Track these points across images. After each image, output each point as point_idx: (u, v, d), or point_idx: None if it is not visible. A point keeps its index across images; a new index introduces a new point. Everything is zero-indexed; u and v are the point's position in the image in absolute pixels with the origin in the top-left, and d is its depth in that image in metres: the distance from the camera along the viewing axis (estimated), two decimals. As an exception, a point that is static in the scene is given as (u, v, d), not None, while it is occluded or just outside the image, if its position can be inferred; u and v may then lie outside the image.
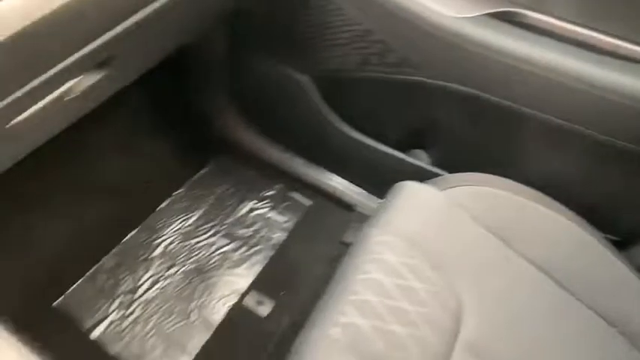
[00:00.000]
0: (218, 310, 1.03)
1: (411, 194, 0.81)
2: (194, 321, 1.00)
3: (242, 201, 1.21)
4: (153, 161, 1.20)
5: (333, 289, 0.70)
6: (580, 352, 0.72)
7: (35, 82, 0.48)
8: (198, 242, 1.13)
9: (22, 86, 0.48)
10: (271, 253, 1.13)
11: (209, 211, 1.18)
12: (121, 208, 1.12)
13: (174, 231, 1.14)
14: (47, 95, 0.51)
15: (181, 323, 1.00)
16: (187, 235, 1.14)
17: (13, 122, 0.48)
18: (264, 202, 1.22)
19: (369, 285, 0.68)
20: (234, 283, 1.07)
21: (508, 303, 0.73)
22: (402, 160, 1.07)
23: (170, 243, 1.12)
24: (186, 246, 1.12)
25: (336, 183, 1.22)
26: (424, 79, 0.89)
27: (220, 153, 1.28)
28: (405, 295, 0.68)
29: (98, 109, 0.72)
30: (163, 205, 1.17)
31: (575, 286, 0.77)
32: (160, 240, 1.11)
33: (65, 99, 0.53)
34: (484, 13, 0.78)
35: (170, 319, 1.00)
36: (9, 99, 0.46)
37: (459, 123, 0.94)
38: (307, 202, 1.23)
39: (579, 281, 0.78)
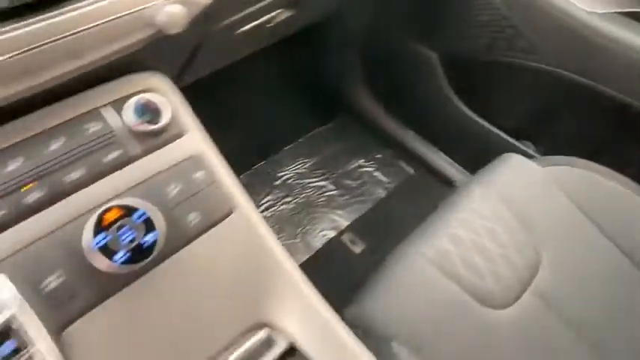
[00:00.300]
0: (319, 239, 1.20)
1: (514, 164, 0.91)
2: (298, 242, 1.19)
3: (353, 158, 1.38)
4: (287, 110, 1.40)
5: (430, 222, 0.83)
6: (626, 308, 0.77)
7: (251, 9, 0.68)
8: (310, 182, 1.31)
9: (242, 10, 0.67)
10: (370, 205, 1.28)
11: (324, 160, 1.36)
12: (256, 141, 1.33)
13: (294, 170, 1.33)
14: (255, 20, 0.70)
15: (288, 242, 1.19)
16: (303, 175, 1.33)
17: (236, 33, 0.68)
18: (373, 162, 1.37)
19: (463, 224, 0.80)
20: (335, 221, 1.24)
21: (582, 270, 0.81)
22: (512, 146, 1.15)
23: (289, 178, 1.31)
24: (301, 183, 1.31)
25: (442, 159, 1.33)
26: (547, 67, 0.97)
27: (343, 115, 1.45)
28: (491, 238, 0.79)
29: (261, 54, 0.92)
30: (288, 147, 1.37)
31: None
32: (281, 174, 1.32)
33: (266, 26, 0.73)
34: (616, 10, 0.85)
35: (279, 236, 1.19)
36: (236, 16, 0.65)
37: (569, 112, 1.01)
38: (411, 170, 1.36)
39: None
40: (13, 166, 0.44)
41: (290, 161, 1.35)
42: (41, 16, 0.42)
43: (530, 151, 1.12)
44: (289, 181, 1.31)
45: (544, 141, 1.14)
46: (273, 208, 1.24)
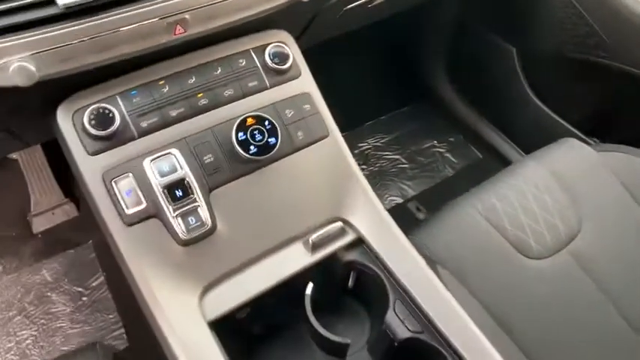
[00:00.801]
0: (387, 203, 1.37)
1: (571, 146, 1.02)
2: (368, 203, 1.37)
3: (427, 138, 1.53)
4: (374, 88, 1.58)
5: (485, 185, 0.97)
6: None
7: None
8: (385, 155, 1.48)
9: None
10: (438, 180, 1.43)
11: (400, 138, 1.53)
12: (343, 113, 1.52)
13: (372, 143, 1.51)
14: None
15: (359, 201, 1.37)
16: (379, 148, 1.50)
17: (344, 9, 0.87)
18: (445, 144, 1.51)
19: (513, 187, 0.93)
20: (404, 190, 1.40)
21: (621, 245, 0.90)
22: (577, 137, 1.23)
23: (367, 149, 1.50)
24: (377, 155, 1.48)
25: (510, 146, 1.44)
26: (616, 65, 1.06)
27: (423, 98, 1.60)
28: (538, 203, 0.92)
29: (359, 33, 1.10)
30: (370, 122, 1.55)
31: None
32: (361, 145, 1.50)
33: (368, 6, 0.92)
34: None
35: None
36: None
37: (635, 109, 1.08)
38: (479, 155, 1.49)
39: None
40: (191, 80, 0.66)
41: (370, 135, 1.53)
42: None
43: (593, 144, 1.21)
44: (367, 151, 1.49)
45: (609, 137, 1.21)
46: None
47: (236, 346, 0.64)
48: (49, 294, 1.15)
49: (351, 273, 0.72)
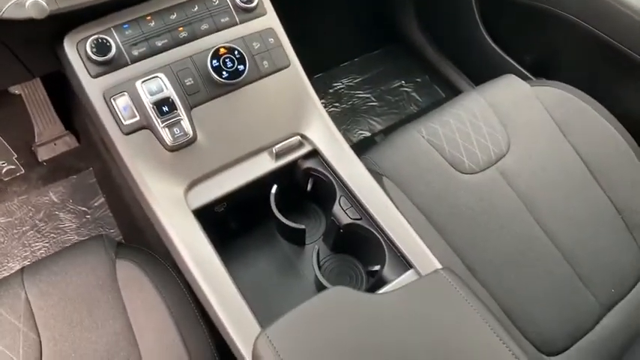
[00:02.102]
0: (356, 136, 1.53)
1: (509, 82, 1.17)
2: (339, 137, 1.53)
3: (396, 79, 1.67)
4: (347, 32, 1.70)
5: (431, 113, 1.12)
6: (584, 225, 1.03)
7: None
8: (357, 94, 1.63)
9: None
10: (403, 117, 1.58)
11: (371, 78, 1.66)
12: (318, 56, 1.65)
13: (345, 83, 1.65)
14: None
15: (332, 135, 1.53)
16: (352, 88, 1.64)
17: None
18: (412, 84, 1.66)
19: (453, 115, 1.09)
20: (372, 125, 1.56)
21: (542, 162, 1.07)
22: (525, 76, 1.38)
23: (340, 89, 1.64)
24: (349, 94, 1.62)
25: (468, 85, 1.59)
26: (559, 12, 1.19)
27: (392, 42, 1.73)
28: (473, 129, 1.08)
29: None
30: (343, 64, 1.68)
31: (602, 178, 1.07)
32: (335, 85, 1.64)
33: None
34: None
35: (326, 130, 1.53)
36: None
37: (577, 55, 1.23)
38: (442, 94, 1.63)
39: (606, 174, 1.07)
40: (173, 16, 0.80)
41: (343, 76, 1.66)
42: None
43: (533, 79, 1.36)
44: (340, 91, 1.63)
45: (551, 77, 1.36)
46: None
47: (216, 235, 0.82)
48: (56, 212, 1.31)
49: (309, 179, 0.89)
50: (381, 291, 0.71)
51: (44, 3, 0.67)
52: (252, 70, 0.82)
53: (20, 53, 0.84)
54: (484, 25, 1.45)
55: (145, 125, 0.77)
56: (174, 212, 0.77)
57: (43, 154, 1.40)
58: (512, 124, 1.10)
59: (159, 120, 0.77)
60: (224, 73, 0.79)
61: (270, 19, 0.87)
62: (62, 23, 0.74)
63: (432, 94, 1.63)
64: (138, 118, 0.77)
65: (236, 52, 0.79)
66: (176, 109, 0.78)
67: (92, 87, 0.76)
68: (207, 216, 0.80)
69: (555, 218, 1.02)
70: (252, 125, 0.84)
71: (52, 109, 1.36)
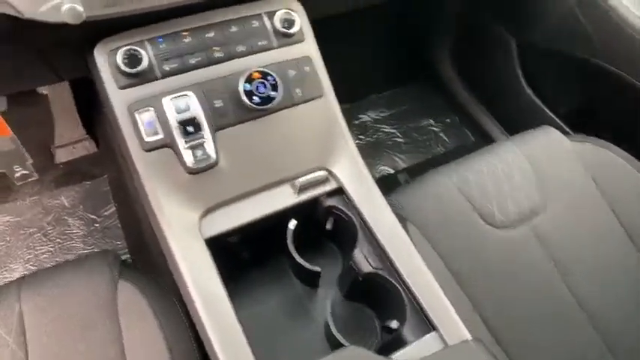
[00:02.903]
0: (378, 172, 1.48)
1: (547, 134, 1.11)
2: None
3: (425, 117, 1.63)
4: (379, 64, 1.67)
5: (463, 159, 1.07)
6: (618, 293, 0.95)
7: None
8: (383, 128, 1.59)
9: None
10: (429, 157, 1.53)
11: (399, 114, 1.63)
12: (343, 85, 1.62)
13: (372, 115, 1.61)
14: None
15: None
16: (378, 121, 1.60)
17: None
18: (441, 124, 1.61)
19: (487, 163, 1.04)
20: (396, 162, 1.51)
21: (580, 227, 1.01)
22: (563, 130, 1.33)
23: (366, 121, 1.60)
24: (375, 127, 1.59)
25: (500, 132, 1.54)
26: (604, 65, 1.14)
27: (424, 78, 1.69)
28: (508, 180, 1.02)
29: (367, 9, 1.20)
30: (372, 97, 1.65)
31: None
32: (361, 116, 1.60)
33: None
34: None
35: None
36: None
37: (616, 107, 1.18)
38: (472, 138, 1.58)
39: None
40: (210, 35, 0.77)
41: (370, 108, 1.63)
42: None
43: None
44: (366, 123, 1.59)
45: (590, 131, 1.30)
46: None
47: (225, 266, 0.77)
48: (65, 217, 1.28)
49: (330, 217, 0.84)
50: (399, 354, 0.65)
51: (81, 9, 0.65)
52: (285, 97, 0.78)
53: (50, 56, 0.82)
54: (523, 73, 1.40)
55: (166, 144, 0.73)
56: (185, 239, 0.72)
57: (61, 156, 1.38)
58: (549, 181, 1.04)
59: (182, 140, 0.73)
60: (255, 97, 0.75)
61: (309, 47, 0.84)
62: (96, 30, 0.72)
63: (461, 137, 1.59)
64: (160, 135, 0.73)
65: (270, 78, 0.76)
66: (201, 131, 0.74)
67: (118, 98, 0.73)
68: (219, 245, 0.75)
69: (589, 285, 0.95)
70: (277, 154, 0.80)
71: (76, 113, 1.34)
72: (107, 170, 1.37)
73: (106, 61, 0.72)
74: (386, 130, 1.58)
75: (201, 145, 0.74)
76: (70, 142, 1.38)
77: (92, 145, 1.40)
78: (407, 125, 1.59)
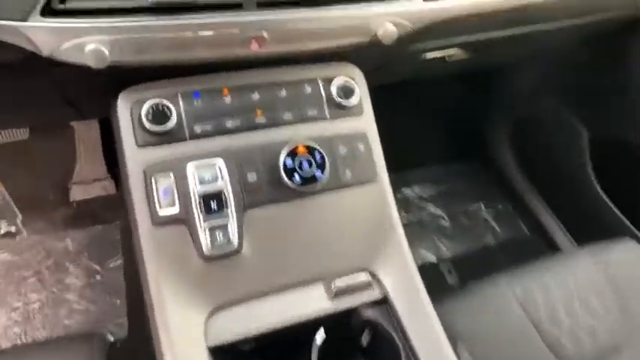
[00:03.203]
0: (419, 257, 1.31)
1: (631, 249, 0.94)
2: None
3: (475, 200, 1.46)
4: (431, 137, 1.54)
5: (529, 268, 0.90)
6: None
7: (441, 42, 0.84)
8: (428, 207, 1.43)
9: (434, 39, 0.83)
10: (477, 247, 1.36)
11: (447, 193, 1.47)
12: (395, 153, 1.49)
13: (417, 191, 1.47)
14: (439, 51, 0.87)
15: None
16: (423, 199, 1.45)
17: (420, 57, 0.85)
18: (492, 210, 1.45)
19: (557, 278, 0.86)
20: (439, 248, 1.34)
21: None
22: (635, 236, 1.14)
23: (410, 196, 1.45)
24: (419, 205, 1.44)
25: (560, 228, 1.35)
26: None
27: (477, 156, 1.55)
28: (583, 303, 0.84)
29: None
30: (420, 169, 1.51)
31: None
32: (405, 190, 1.46)
33: (446, 59, 0.89)
34: None
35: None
36: (427, 44, 0.82)
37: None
38: (526, 231, 1.40)
39: None
40: (255, 96, 0.65)
41: (415, 182, 1.48)
42: (304, 9, 0.63)
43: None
44: (410, 199, 1.44)
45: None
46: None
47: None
48: (67, 263, 1.16)
49: (367, 331, 0.68)
50: None
51: (106, 52, 0.54)
52: (331, 178, 0.65)
53: (72, 96, 0.72)
54: (593, 169, 1.24)
55: (182, 219, 0.60)
56: (185, 344, 0.57)
57: (76, 193, 1.27)
58: (633, 308, 0.86)
59: (201, 217, 0.59)
60: (297, 176, 0.62)
61: (366, 123, 0.71)
62: (123, 76, 0.61)
63: (515, 229, 1.41)
64: (176, 209, 0.60)
65: (317, 154, 0.63)
66: (226, 209, 0.60)
67: (135, 157, 0.61)
68: (226, 354, 0.60)
69: None
70: (313, 246, 0.66)
71: (101, 151, 1.25)
72: (121, 217, 1.26)
73: (129, 113, 0.61)
74: (431, 210, 1.43)
75: (223, 227, 0.60)
76: (89, 180, 1.28)
77: (111, 186, 1.30)
78: (454, 207, 1.44)
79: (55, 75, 0.62)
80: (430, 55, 0.87)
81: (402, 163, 1.50)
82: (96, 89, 0.65)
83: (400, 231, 0.70)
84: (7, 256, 1.16)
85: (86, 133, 1.24)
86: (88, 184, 1.27)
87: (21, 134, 1.17)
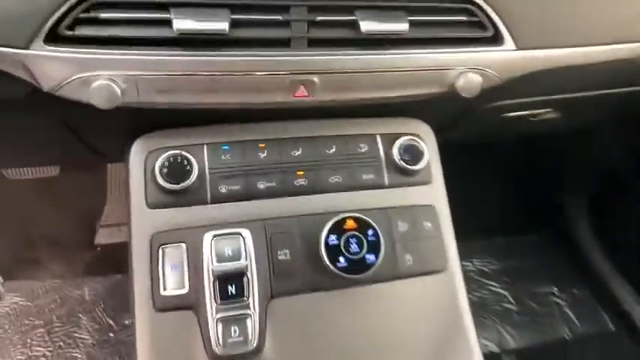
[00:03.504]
0: (481, 345, 1.10)
1: None
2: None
3: (547, 281, 1.25)
4: (499, 202, 1.36)
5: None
6: None
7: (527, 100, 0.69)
8: (491, 286, 1.23)
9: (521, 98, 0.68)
10: (549, 341, 1.13)
11: (514, 270, 1.26)
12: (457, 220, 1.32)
13: (479, 265, 1.27)
14: (524, 111, 0.72)
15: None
16: (486, 275, 1.25)
17: (501, 115, 0.71)
18: (567, 296, 1.22)
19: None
20: (503, 337, 1.13)
21: None
22: None
23: (471, 271, 1.26)
24: (480, 282, 1.23)
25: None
26: None
27: (550, 231, 1.34)
28: None
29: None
30: (482, 240, 1.32)
31: None
32: (464, 263, 1.26)
33: (529, 119, 0.74)
34: None
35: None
36: (511, 101, 0.68)
37: None
38: (611, 325, 1.17)
39: None
40: (296, 153, 0.52)
41: (477, 255, 1.29)
42: (365, 51, 0.50)
43: None
44: (469, 273, 1.25)
45: None
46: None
47: None
48: (80, 315, 1.05)
49: None
50: None
51: (117, 90, 0.43)
52: (387, 264, 0.50)
53: (89, 139, 0.62)
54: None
55: (190, 305, 0.47)
56: None
57: (102, 236, 1.18)
58: None
59: (214, 306, 0.46)
60: (342, 259, 0.48)
61: (436, 193, 0.56)
62: (137, 120, 0.50)
63: (596, 320, 1.17)
64: (185, 290, 0.47)
65: (370, 232, 0.49)
66: (247, 297, 0.47)
67: (142, 220, 0.49)
68: None
69: None
70: (357, 353, 0.50)
71: (132, 193, 1.17)
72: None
73: (142, 164, 0.50)
74: (494, 288, 1.22)
75: (240, 320, 0.46)
76: (117, 223, 1.19)
77: (140, 232, 1.21)
78: (521, 288, 1.23)
79: (63, 115, 0.52)
80: (513, 113, 0.72)
81: (461, 231, 1.32)
82: (112, 133, 0.55)
83: (473, 339, 0.54)
84: (20, 300, 1.07)
85: (119, 173, 1.17)
86: (115, 227, 1.18)
87: (51, 170, 1.11)
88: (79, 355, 1.00)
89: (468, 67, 0.52)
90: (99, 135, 0.58)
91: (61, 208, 1.16)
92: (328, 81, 0.48)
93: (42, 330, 1.03)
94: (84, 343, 1.02)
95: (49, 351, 1.00)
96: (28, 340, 1.02)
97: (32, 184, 1.14)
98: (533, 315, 1.19)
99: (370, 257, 0.48)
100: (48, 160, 0.81)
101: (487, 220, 1.35)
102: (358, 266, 0.48)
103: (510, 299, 1.21)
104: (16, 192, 1.17)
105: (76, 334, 1.03)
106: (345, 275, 0.48)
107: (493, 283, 1.24)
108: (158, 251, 0.47)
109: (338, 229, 0.48)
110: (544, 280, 1.26)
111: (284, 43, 0.46)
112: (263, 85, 0.47)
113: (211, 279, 0.46)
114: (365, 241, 0.49)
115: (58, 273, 1.13)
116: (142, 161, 0.49)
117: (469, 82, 0.51)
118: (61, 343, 1.02)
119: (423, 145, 0.55)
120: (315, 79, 0.47)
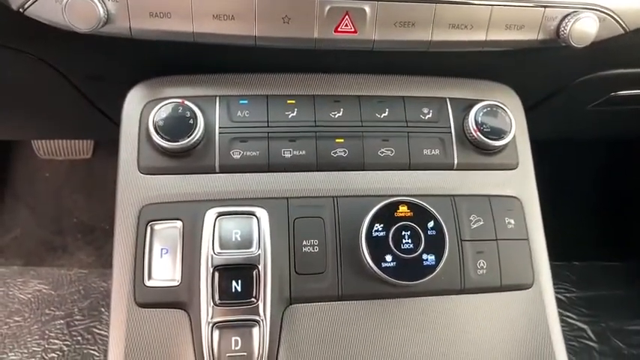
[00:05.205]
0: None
1: None
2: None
3: (635, 315, 1.03)
4: (577, 220, 1.16)
5: None
6: None
7: None
8: (569, 318, 1.03)
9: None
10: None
11: (596, 301, 1.06)
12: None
13: (555, 289, 1.08)
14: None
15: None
16: (562, 304, 1.06)
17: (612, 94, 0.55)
18: (666, 338, 1.00)
19: None
20: (582, 381, 0.93)
21: None
22: None
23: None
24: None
25: None
26: None
27: (635, 257, 1.12)
28: None
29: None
30: (559, 263, 1.12)
31: None
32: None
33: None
34: None
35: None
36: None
37: None
38: None
39: None
40: (336, 114, 0.40)
41: (554, 279, 1.10)
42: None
43: None
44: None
45: None
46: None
47: None
48: (102, 309, 0.98)
49: None
50: None
51: (100, 9, 0.33)
52: (451, 269, 0.36)
53: (88, 91, 0.53)
54: None
55: (181, 302, 0.35)
56: None
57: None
58: None
59: (211, 306, 0.34)
60: (389, 258, 0.34)
61: (523, 181, 0.42)
62: (139, 59, 0.40)
63: (703, 372, 0.95)
64: (177, 282, 0.36)
65: (429, 225, 0.35)
66: (256, 298, 0.34)
67: (130, 188, 0.38)
68: None
69: None
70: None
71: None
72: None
73: (137, 117, 0.39)
74: (572, 321, 1.02)
75: (245, 328, 0.34)
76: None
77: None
78: (606, 323, 1.02)
79: (46, 50, 0.42)
80: (625, 91, 0.55)
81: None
82: (110, 86, 0.45)
83: None
84: (44, 287, 1.01)
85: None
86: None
87: (83, 152, 1.05)
88: (95, 353, 0.92)
89: (584, 5, 0.37)
90: (100, 90, 0.48)
91: (92, 194, 1.10)
92: (384, 11, 0.35)
93: (61, 322, 0.96)
94: (103, 340, 0.93)
95: (67, 345, 0.93)
96: (47, 332, 0.95)
97: (66, 169, 1.09)
98: (621, 357, 0.98)
99: (429, 258, 0.35)
100: (64, 129, 0.73)
101: (566, 239, 1.15)
102: (411, 269, 0.35)
103: (592, 336, 1.01)
104: (51, 176, 1.13)
105: (96, 330, 0.95)
106: (393, 280, 0.34)
107: (571, 316, 1.04)
108: (146, 228, 0.36)
109: (386, 216, 0.35)
110: (635, 316, 1.05)
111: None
112: (293, 11, 0.35)
113: (210, 270, 0.34)
114: (422, 236, 0.35)
115: (86, 263, 1.06)
116: (137, 113, 0.39)
117: (583, 26, 0.37)
118: (80, 338, 0.94)
119: (509, 115, 0.41)
120: (366, 7, 0.35)
